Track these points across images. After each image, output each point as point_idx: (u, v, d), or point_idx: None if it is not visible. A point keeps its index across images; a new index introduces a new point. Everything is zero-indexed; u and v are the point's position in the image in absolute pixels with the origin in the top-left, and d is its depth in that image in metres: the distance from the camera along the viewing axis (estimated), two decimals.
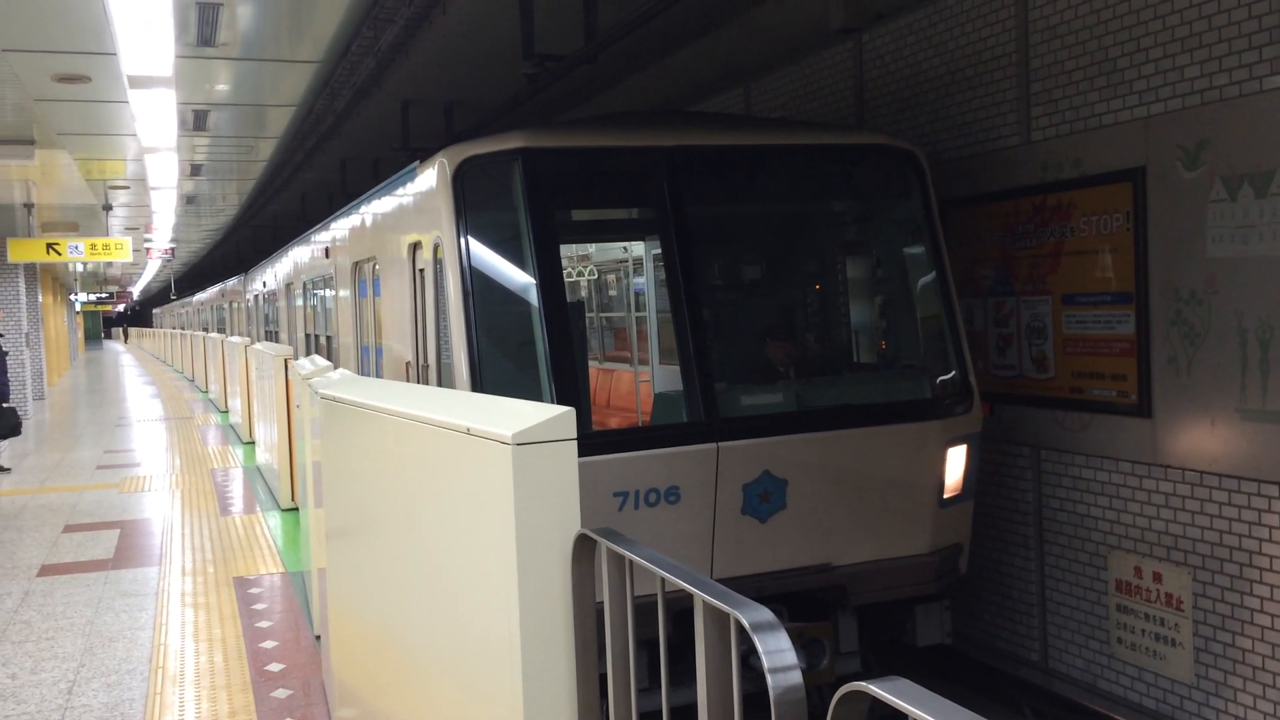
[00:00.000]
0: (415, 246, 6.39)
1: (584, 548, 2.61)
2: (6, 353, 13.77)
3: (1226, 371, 5.24)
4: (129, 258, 17.54)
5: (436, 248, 5.75)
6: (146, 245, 25.95)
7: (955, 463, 5.92)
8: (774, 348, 6.36)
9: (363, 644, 4.25)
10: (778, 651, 1.86)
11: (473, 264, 5.43)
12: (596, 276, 9.99)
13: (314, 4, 7.36)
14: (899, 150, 6.20)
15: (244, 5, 7.22)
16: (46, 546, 9.01)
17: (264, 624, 6.68)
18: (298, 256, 13.23)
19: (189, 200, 18.25)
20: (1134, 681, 5.92)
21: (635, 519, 5.17)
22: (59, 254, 16.48)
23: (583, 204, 6.46)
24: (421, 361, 6.42)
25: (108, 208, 16.92)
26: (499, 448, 2.62)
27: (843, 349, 7.16)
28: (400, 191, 6.81)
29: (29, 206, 16.10)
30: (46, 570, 8.18)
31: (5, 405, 13.14)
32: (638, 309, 8.94)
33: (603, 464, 5.08)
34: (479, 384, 5.22)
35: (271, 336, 17.25)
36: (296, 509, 10.06)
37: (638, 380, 8.93)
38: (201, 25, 7.50)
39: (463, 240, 5.44)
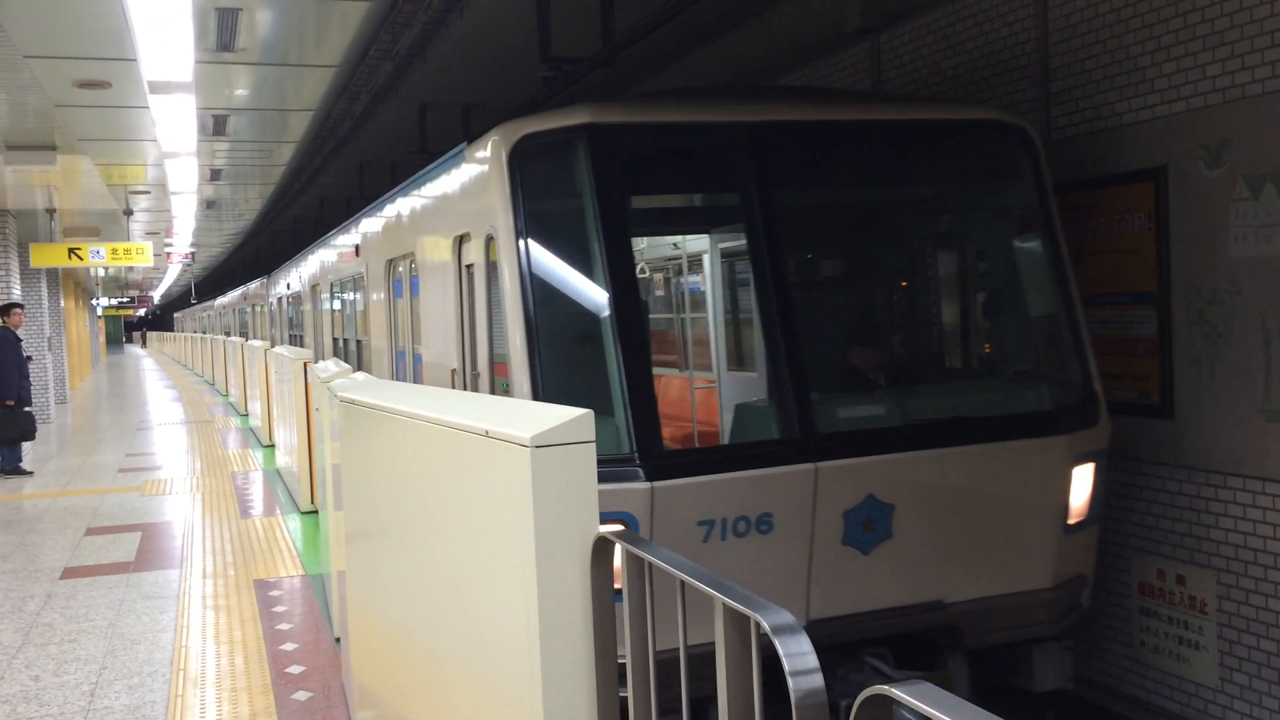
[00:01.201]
0: (461, 240, 5.82)
1: (603, 550, 2.61)
2: (29, 357, 13.87)
3: (1249, 372, 5.20)
4: (150, 262, 17.66)
5: (489, 241, 5.13)
6: (167, 250, 26.13)
7: (1082, 483, 5.26)
8: (862, 354, 5.71)
9: (382, 646, 4.26)
10: (799, 654, 1.85)
11: (532, 259, 4.77)
12: (647, 274, 9.01)
13: (332, 9, 7.40)
14: (1010, 126, 5.56)
15: (263, 10, 7.27)
16: (69, 549, 9.07)
17: (284, 626, 6.70)
18: (324, 256, 12.66)
19: (209, 205, 18.37)
20: (1158, 685, 5.87)
21: (722, 551, 4.60)
22: (81, 259, 16.61)
23: (658, 188, 5.67)
24: (471, 369, 5.87)
25: (128, 213, 17.05)
26: (518, 450, 2.62)
27: (948, 353, 6.34)
28: (444, 179, 6.12)
29: (51, 212, 16.25)
30: (69, 573, 8.24)
31: (25, 410, 13.25)
32: (689, 309, 8.14)
33: (687, 489, 4.51)
34: (540, 396, 4.66)
35: (296, 341, 16.76)
36: (316, 512, 10.10)
37: (692, 388, 8.00)
38: (221, 30, 7.55)
39: (521, 231, 4.77)
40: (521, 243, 4.77)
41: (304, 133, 11.96)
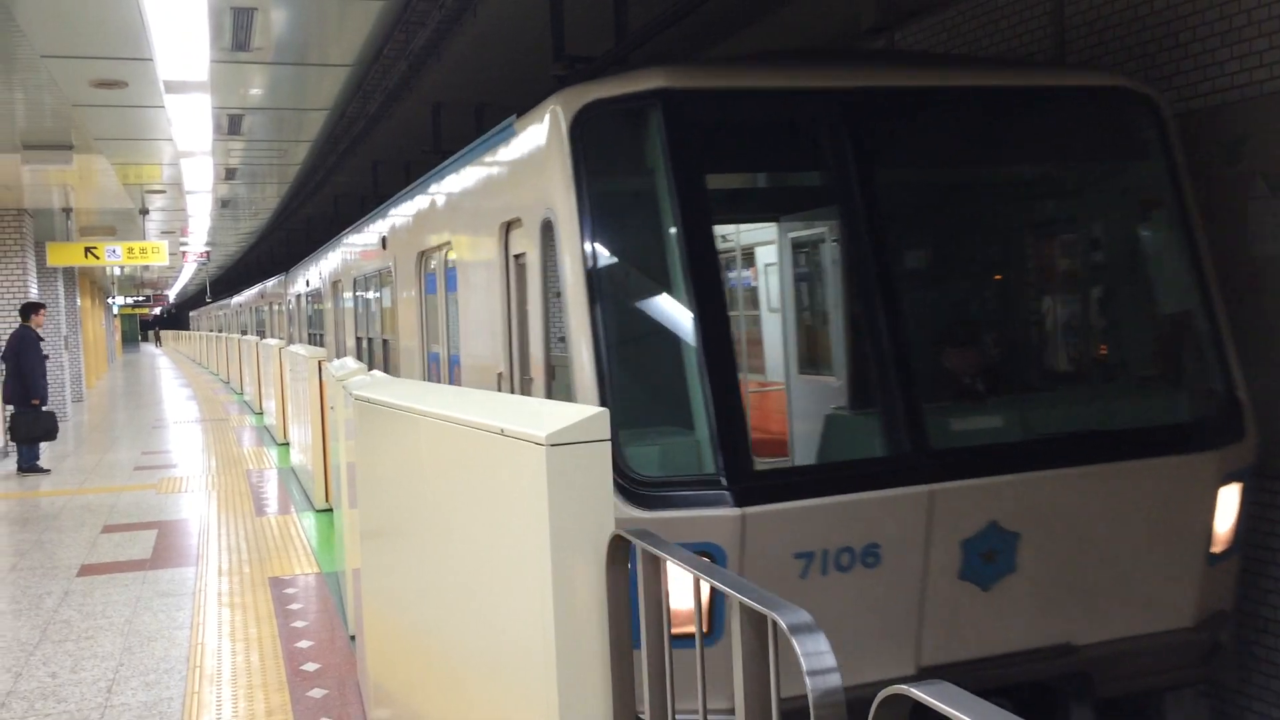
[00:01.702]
0: (509, 227, 5.21)
1: (618, 549, 2.61)
2: (46, 356, 13.97)
3: (1272, 372, 5.16)
4: (165, 261, 17.75)
5: (545, 226, 4.48)
6: (182, 249, 26.26)
7: (1228, 506, 4.64)
8: (970, 356, 4.99)
9: (397, 644, 4.27)
10: (817, 654, 1.84)
11: (598, 247, 4.18)
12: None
13: (347, 8, 7.42)
14: (1138, 94, 4.93)
15: (278, 10, 7.29)
16: (86, 546, 9.12)
17: (299, 624, 6.72)
18: (347, 250, 11.98)
19: (224, 204, 18.44)
20: None
21: (823, 588, 4.04)
22: (97, 258, 16.71)
23: (741, 165, 4.87)
24: (520, 374, 5.25)
25: (144, 212, 17.14)
26: (533, 449, 2.62)
27: (1070, 355, 5.51)
28: (488, 159, 5.49)
29: (67, 211, 16.36)
30: (86, 570, 8.29)
31: (44, 409, 13.34)
32: (743, 306, 7.37)
33: (784, 516, 3.95)
34: (608, 403, 4.05)
35: (316, 341, 15.96)
36: (331, 510, 10.13)
37: (745, 392, 7.09)
38: (236, 30, 7.57)
39: (585, 215, 4.18)
40: (586, 228, 4.18)
41: (318, 132, 11.99)
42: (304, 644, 6.33)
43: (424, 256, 7.58)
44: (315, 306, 16.00)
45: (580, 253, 4.17)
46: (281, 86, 9.63)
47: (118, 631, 6.68)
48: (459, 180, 6.25)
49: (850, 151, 4.43)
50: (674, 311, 4.20)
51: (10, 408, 13.47)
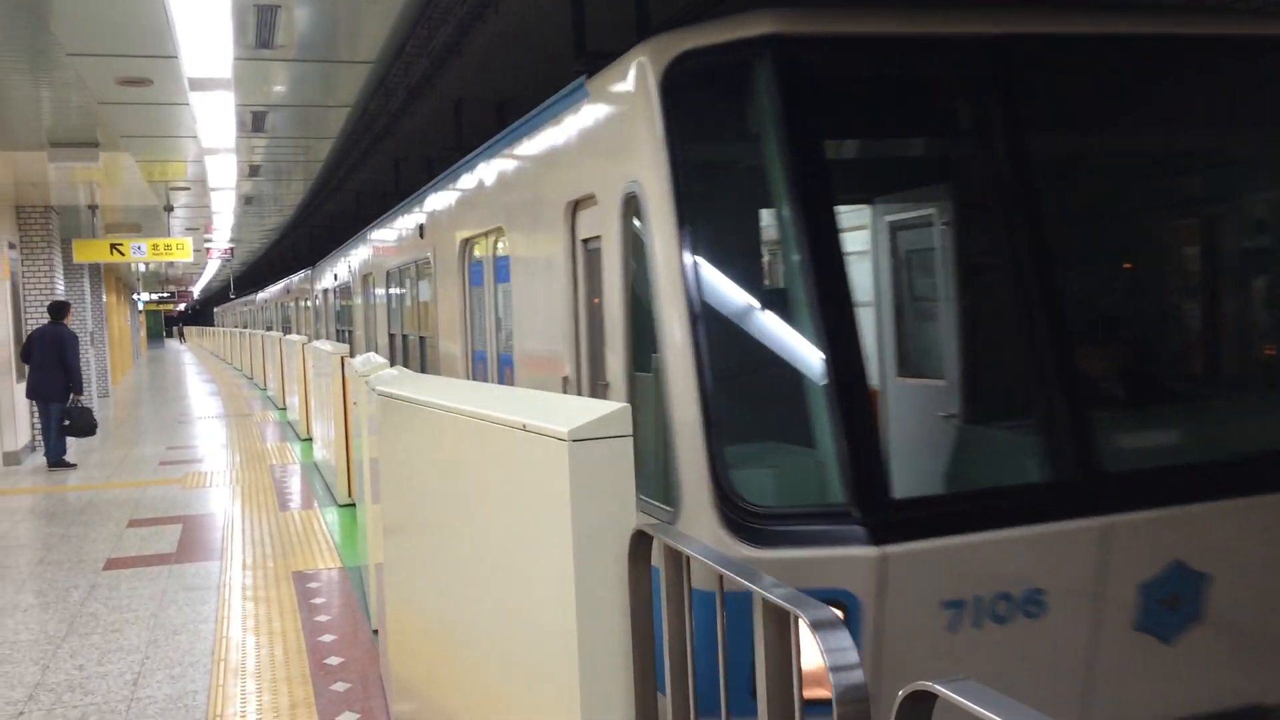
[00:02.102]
0: (577, 206, 4.55)
1: (640, 544, 2.61)
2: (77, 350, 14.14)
3: None
4: (190, 257, 17.87)
5: (628, 203, 3.80)
6: (206, 245, 26.44)
7: None
8: (1123, 358, 4.19)
9: (420, 639, 4.29)
10: (840, 650, 1.83)
11: (696, 227, 3.51)
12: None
13: (369, 5, 7.44)
14: None
15: (301, 7, 7.31)
16: (112, 540, 9.20)
17: (323, 618, 6.76)
18: (379, 241, 11.22)
19: (248, 201, 18.55)
20: None
21: (977, 643, 3.41)
22: (122, 254, 16.84)
23: (868, 127, 3.97)
24: (592, 378, 4.58)
25: (169, 208, 17.26)
26: (555, 444, 2.62)
27: (1253, 358, 4.60)
28: (551, 128, 4.82)
29: (93, 208, 16.49)
30: (112, 564, 8.36)
31: (81, 405, 13.59)
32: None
33: (932, 556, 3.30)
34: (711, 415, 3.39)
35: (344, 337, 15.09)
36: (353, 505, 10.18)
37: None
38: (260, 27, 7.61)
39: (680, 187, 3.50)
40: (682, 204, 3.49)
41: (341, 129, 12.04)
42: (327, 638, 6.36)
43: (468, 244, 6.90)
44: (344, 302, 15.28)
45: (675, 233, 3.49)
46: (304, 83, 9.67)
47: (143, 625, 6.73)
48: (513, 156, 5.55)
49: (1000, 113, 3.70)
50: (790, 305, 3.50)
51: (33, 403, 13.71)
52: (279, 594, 7.35)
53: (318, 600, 7.18)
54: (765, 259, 3.72)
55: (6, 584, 7.84)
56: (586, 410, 2.68)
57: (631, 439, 2.62)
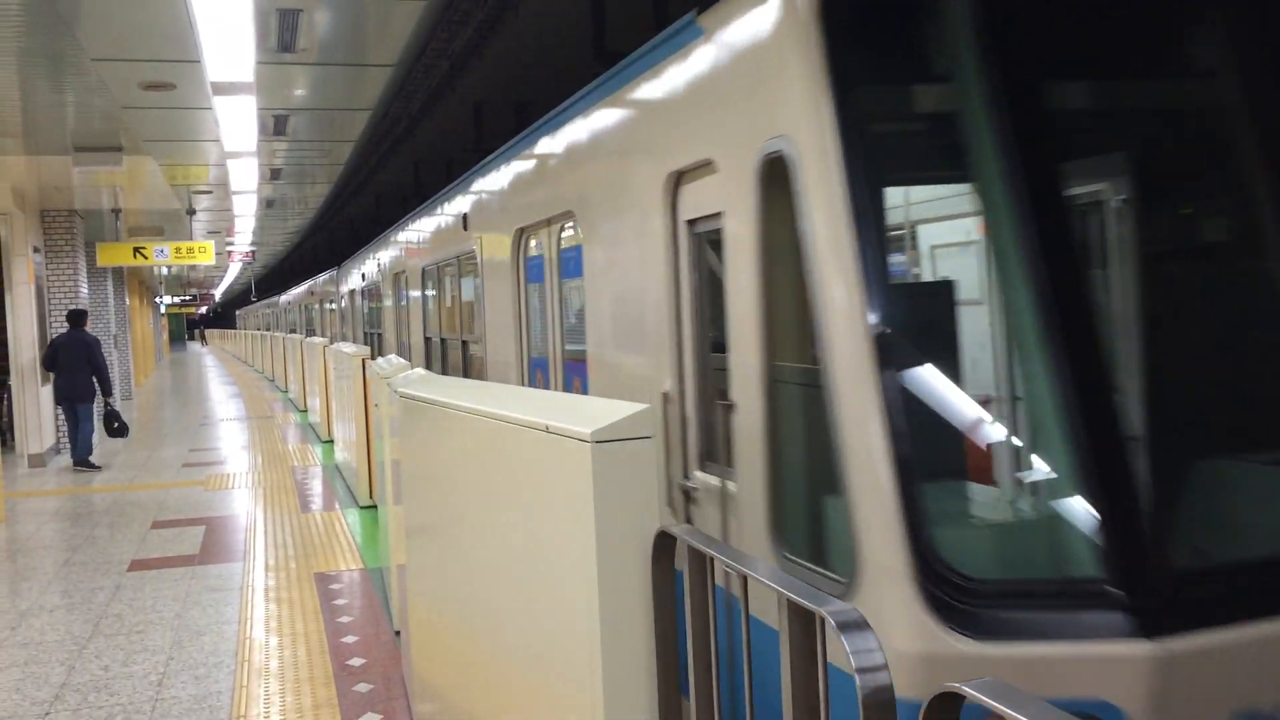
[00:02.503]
0: (681, 179, 3.67)
1: (664, 545, 2.61)
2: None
3: None
4: (212, 260, 17.99)
5: (767, 169, 2.94)
6: (228, 248, 26.61)
7: None
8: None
9: (442, 640, 4.30)
10: (866, 651, 1.82)
11: (875, 198, 2.69)
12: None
13: (390, 8, 7.47)
14: None
15: (322, 11, 7.36)
16: (136, 542, 9.27)
17: (345, 619, 6.79)
18: (413, 235, 10.29)
19: (269, 204, 18.66)
20: None
21: None
22: (145, 258, 16.97)
23: (1078, 70, 2.91)
24: (702, 395, 3.67)
25: (191, 212, 17.39)
26: (578, 446, 2.62)
27: None
28: (645, 82, 3.87)
29: (116, 212, 16.64)
30: (136, 565, 8.42)
31: (112, 408, 13.81)
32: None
33: (1223, 652, 2.39)
34: (905, 453, 2.47)
35: (373, 341, 14.12)
36: (375, 506, 10.22)
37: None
38: (282, 31, 7.66)
39: (850, 145, 2.61)
40: (853, 166, 2.60)
41: (361, 132, 12.10)
42: (349, 639, 6.39)
43: (524, 235, 6.01)
44: (372, 303, 14.24)
45: (845, 205, 2.58)
46: (326, 87, 9.73)
47: (168, 626, 6.78)
48: (586, 124, 4.61)
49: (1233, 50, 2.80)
50: (1009, 303, 2.63)
51: (59, 407, 13.94)
52: (301, 595, 7.38)
53: (340, 601, 7.21)
54: (979, 241, 2.70)
55: (33, 585, 7.91)
56: (610, 412, 2.69)
57: (653, 440, 2.62)
